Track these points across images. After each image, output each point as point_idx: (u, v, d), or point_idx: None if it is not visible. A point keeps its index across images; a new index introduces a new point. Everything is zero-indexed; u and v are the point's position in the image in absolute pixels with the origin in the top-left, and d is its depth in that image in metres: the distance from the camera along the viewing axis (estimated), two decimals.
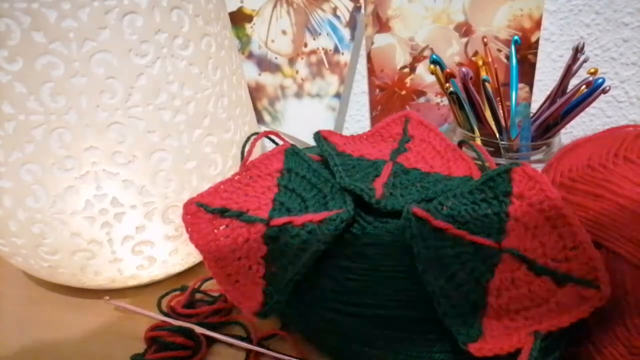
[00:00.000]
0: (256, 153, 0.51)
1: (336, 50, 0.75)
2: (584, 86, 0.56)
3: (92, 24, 0.42)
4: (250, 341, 0.48)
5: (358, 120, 0.79)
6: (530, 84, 0.68)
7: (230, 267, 0.44)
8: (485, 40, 0.65)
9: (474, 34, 0.68)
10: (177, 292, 0.55)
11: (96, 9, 0.42)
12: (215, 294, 0.55)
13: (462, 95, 0.59)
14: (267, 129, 0.70)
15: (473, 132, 0.60)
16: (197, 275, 0.57)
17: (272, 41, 0.78)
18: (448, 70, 0.60)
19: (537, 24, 0.66)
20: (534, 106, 0.68)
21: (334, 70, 0.74)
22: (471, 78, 0.56)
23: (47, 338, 0.50)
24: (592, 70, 0.56)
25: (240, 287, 0.43)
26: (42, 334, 0.51)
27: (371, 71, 0.73)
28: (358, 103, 0.78)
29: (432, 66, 0.62)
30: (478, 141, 0.60)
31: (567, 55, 0.63)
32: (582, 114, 0.58)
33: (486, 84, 0.57)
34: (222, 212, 0.46)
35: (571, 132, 0.73)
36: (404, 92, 0.73)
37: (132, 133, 0.46)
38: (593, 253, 0.36)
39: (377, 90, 0.74)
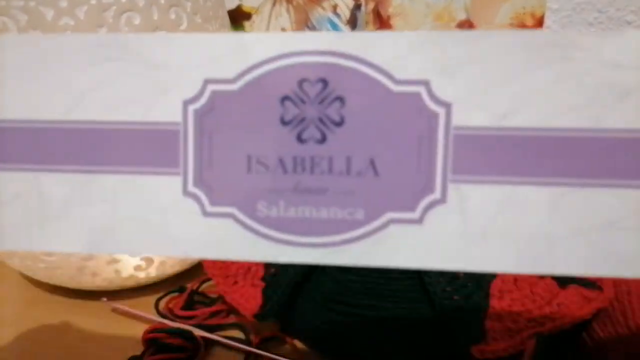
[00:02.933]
0: None
1: None
2: None
3: (89, 22, 0.38)
4: (249, 343, 0.43)
5: None
6: None
7: (228, 268, 0.41)
8: None
9: None
10: (175, 294, 0.51)
11: (93, 7, 0.38)
12: (214, 296, 0.49)
13: None
14: None
15: None
16: (195, 276, 0.52)
17: None
18: None
19: (540, 22, 0.62)
20: None
21: None
22: None
23: (44, 339, 0.46)
24: None
25: (239, 289, 0.40)
26: (39, 336, 0.47)
27: None
28: None
29: None
30: None
31: None
32: None
33: None
34: None
35: None
36: None
37: None
38: None
39: None
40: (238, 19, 0.72)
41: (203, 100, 0.18)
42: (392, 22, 0.64)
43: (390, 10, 0.64)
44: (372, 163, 0.17)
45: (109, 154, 0.18)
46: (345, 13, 0.66)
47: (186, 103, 0.18)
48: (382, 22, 0.65)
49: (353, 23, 0.66)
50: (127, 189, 0.18)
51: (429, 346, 0.35)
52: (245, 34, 0.17)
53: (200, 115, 0.18)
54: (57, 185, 0.19)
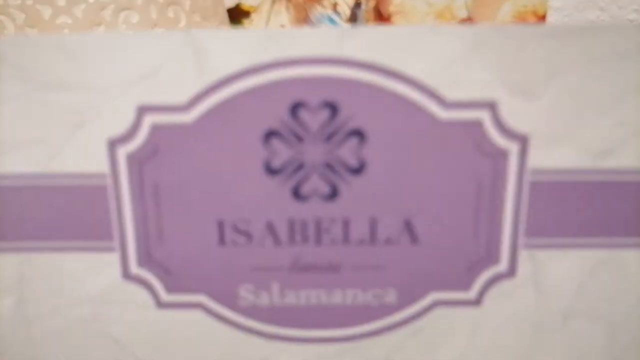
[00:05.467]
0: None
1: None
2: None
3: (87, 20, 0.34)
4: None
5: None
6: None
7: None
8: None
9: None
10: None
11: (91, 6, 0.34)
12: None
13: None
14: None
15: None
16: None
17: None
18: None
19: (542, 21, 0.53)
20: None
21: None
22: None
23: None
24: None
25: None
26: None
27: None
28: None
29: None
30: None
31: None
32: None
33: None
34: None
35: None
36: None
37: None
38: None
39: None
40: (237, 16, 0.64)
41: (140, 138, 0.10)
42: (393, 20, 0.56)
43: (391, 8, 0.56)
44: (407, 226, 0.10)
45: (4, 224, 0.11)
46: (346, 11, 0.58)
47: (114, 143, 0.10)
48: (382, 20, 0.56)
49: (353, 21, 0.58)
50: (38, 274, 0.11)
51: None
52: (200, 32, 0.09)
53: (138, 161, 0.10)
54: None
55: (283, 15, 0.62)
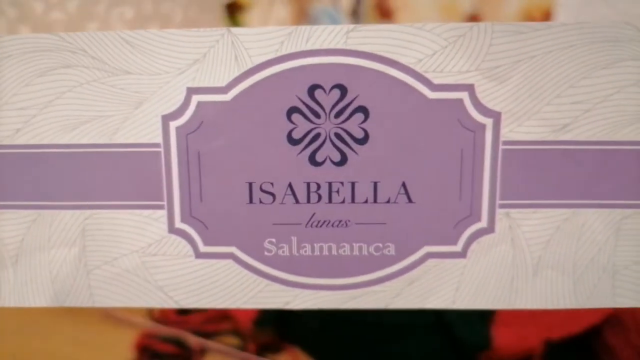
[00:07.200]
0: None
1: None
2: None
3: (80, 15, 0.35)
4: (245, 351, 0.39)
5: None
6: None
7: None
8: None
9: None
10: None
11: (84, 0, 0.35)
12: None
13: None
14: None
15: None
16: None
17: None
18: None
19: (548, 17, 0.57)
20: None
21: None
22: None
23: (33, 346, 0.40)
24: None
25: None
26: (28, 342, 0.40)
27: None
28: None
29: None
30: None
31: None
32: None
33: None
34: None
35: None
36: None
37: None
38: None
39: None
40: (234, 11, 0.66)
41: (188, 114, 0.12)
42: (396, 15, 0.58)
43: (393, 2, 0.57)
44: (404, 188, 0.12)
45: (73, 185, 0.13)
46: (346, 5, 0.59)
47: (166, 119, 0.12)
48: (385, 16, 0.58)
49: (354, 16, 0.59)
50: (98, 228, 0.13)
51: (434, 353, 0.31)
52: (237, 29, 0.12)
53: (185, 133, 0.12)
54: (9, 225, 0.13)
55: (281, 10, 0.64)
